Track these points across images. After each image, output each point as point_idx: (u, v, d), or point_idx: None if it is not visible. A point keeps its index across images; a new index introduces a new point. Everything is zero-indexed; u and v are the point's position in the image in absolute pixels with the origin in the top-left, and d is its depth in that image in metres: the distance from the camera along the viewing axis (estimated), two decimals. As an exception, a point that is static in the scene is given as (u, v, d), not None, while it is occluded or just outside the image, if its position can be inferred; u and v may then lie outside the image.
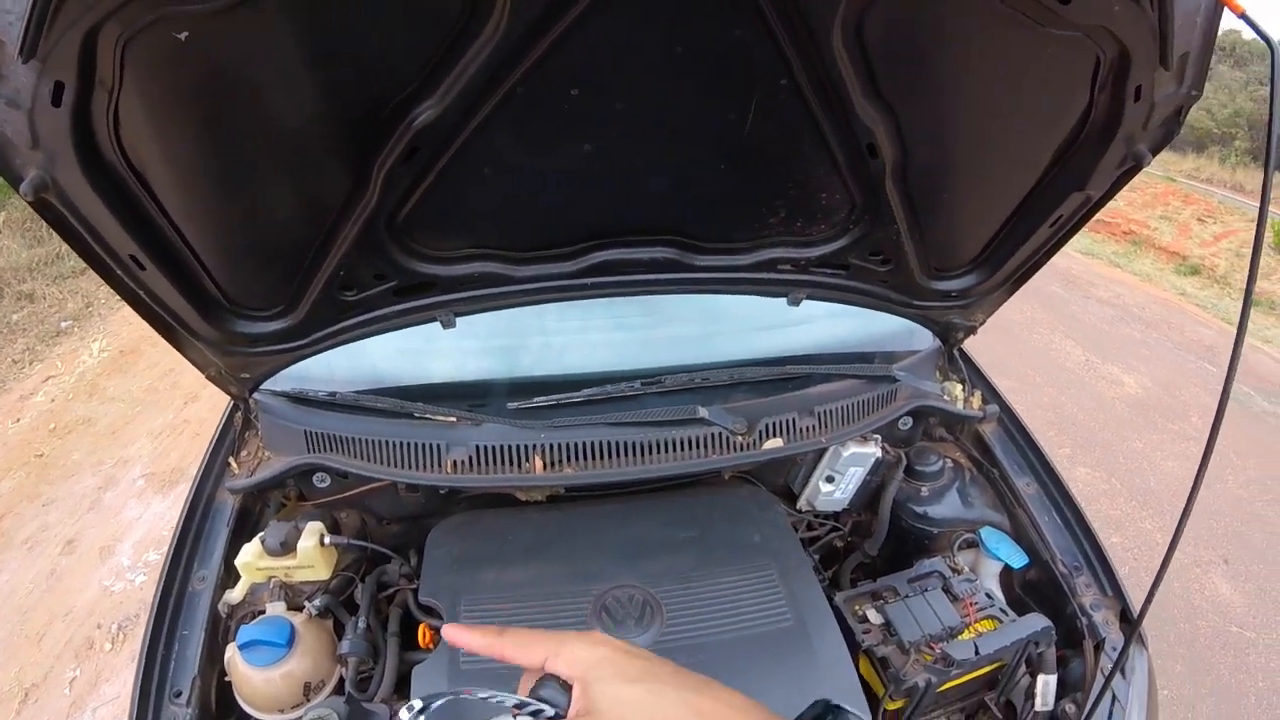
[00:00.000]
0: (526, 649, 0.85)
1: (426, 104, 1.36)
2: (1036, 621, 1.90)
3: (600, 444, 2.00)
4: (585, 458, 2.00)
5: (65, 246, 1.50)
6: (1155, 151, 1.59)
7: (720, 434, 2.04)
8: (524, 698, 0.82)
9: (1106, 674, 1.84)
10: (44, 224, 1.39)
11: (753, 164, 1.68)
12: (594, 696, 0.77)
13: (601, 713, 0.75)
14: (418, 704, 0.88)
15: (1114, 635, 1.97)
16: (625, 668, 0.80)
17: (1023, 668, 1.94)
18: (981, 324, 2.37)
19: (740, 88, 1.47)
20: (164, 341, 1.83)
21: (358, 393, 2.11)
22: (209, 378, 2.05)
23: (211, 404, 5.62)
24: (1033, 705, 1.91)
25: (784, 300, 2.13)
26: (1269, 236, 11.50)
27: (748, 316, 2.29)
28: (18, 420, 5.81)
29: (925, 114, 1.58)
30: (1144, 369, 7.12)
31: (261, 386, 2.14)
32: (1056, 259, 2.07)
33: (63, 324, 7.24)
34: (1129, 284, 9.72)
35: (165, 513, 4.74)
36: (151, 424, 5.69)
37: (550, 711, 0.80)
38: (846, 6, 1.27)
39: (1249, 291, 1.21)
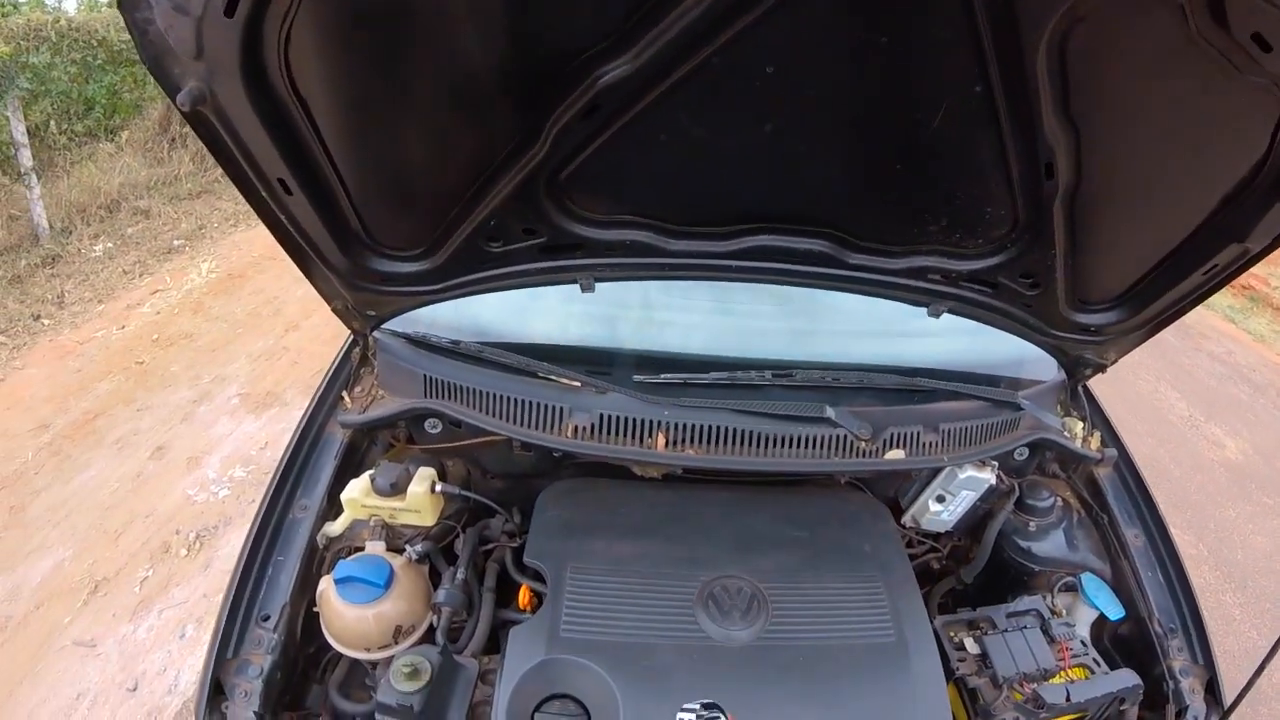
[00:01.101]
0: None
1: (617, 62, 1.34)
2: (1128, 678, 1.86)
3: (725, 430, 1.98)
4: (709, 441, 1.98)
5: (184, 169, 1.51)
6: None
7: (844, 437, 2.01)
8: None
9: None
10: (165, 144, 1.38)
11: (927, 167, 1.65)
12: None
13: None
14: None
15: (1197, 705, 1.92)
16: None
17: (1103, 721, 1.88)
18: (1113, 363, 2.30)
19: (934, 88, 1.44)
20: (275, 271, 1.84)
21: (482, 343, 2.11)
22: (334, 310, 2.07)
23: (312, 334, 5.78)
24: (1105, 759, 1.85)
25: (923, 310, 2.08)
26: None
27: (878, 321, 2.24)
28: (123, 327, 5.99)
29: (1107, 140, 1.53)
30: (1247, 434, 6.83)
31: (383, 326, 2.15)
32: (1190, 310, 2.01)
33: (175, 242, 7.44)
34: (1242, 341, 9.32)
35: (256, 433, 4.85)
36: (251, 347, 5.82)
37: None
38: (1059, 19, 1.23)
39: None
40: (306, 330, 5.86)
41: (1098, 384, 2.47)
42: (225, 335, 5.96)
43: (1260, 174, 1.52)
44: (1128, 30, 1.29)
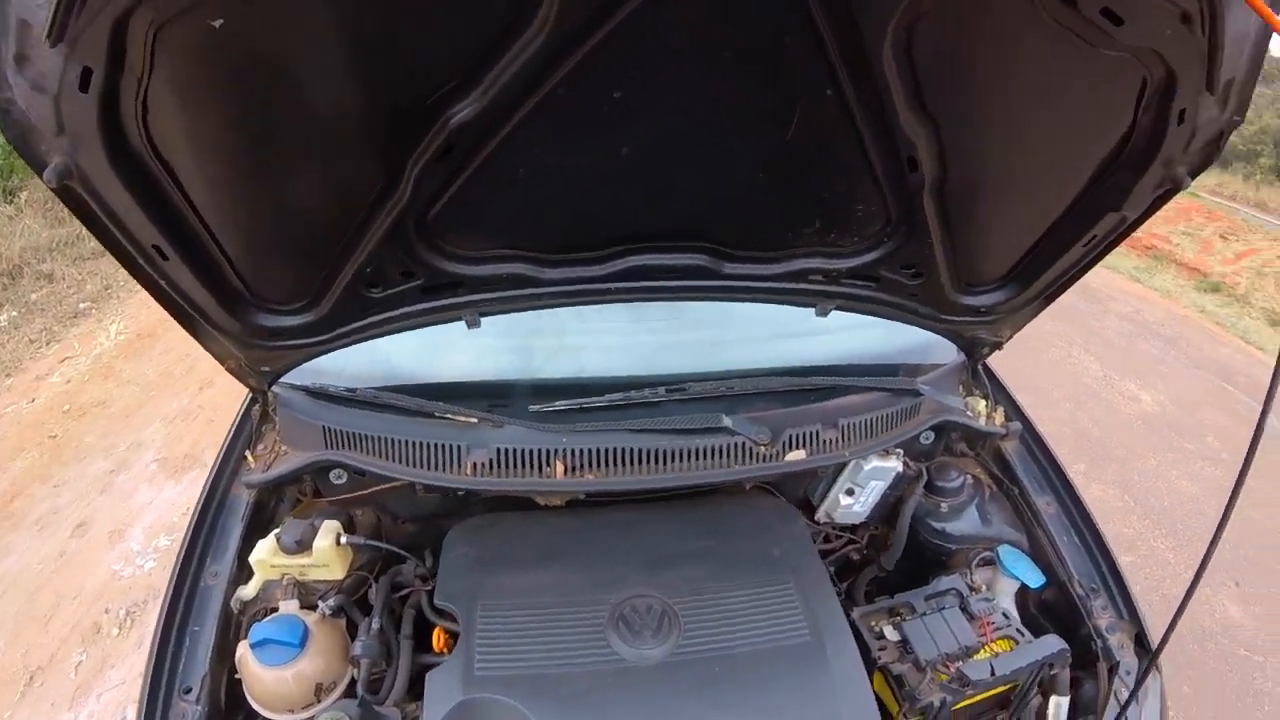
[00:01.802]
0: None
1: (465, 102, 1.34)
2: (1053, 644, 1.89)
3: (623, 450, 1.98)
4: (607, 464, 1.99)
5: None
6: (1194, 175, 1.57)
7: (743, 444, 2.02)
8: None
9: (1123, 700, 1.84)
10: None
11: (791, 173, 1.67)
12: None
13: None
14: None
15: (1128, 659, 1.96)
16: None
17: (1035, 689, 1.92)
18: (1008, 340, 2.35)
19: (785, 96, 1.46)
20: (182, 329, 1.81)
21: (378, 389, 2.10)
22: (228, 369, 2.04)
23: (226, 390, 5.55)
24: (1044, 726, 1.89)
25: (811, 310, 2.10)
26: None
27: (772, 324, 2.27)
28: (33, 400, 5.81)
29: (968, 128, 1.56)
30: (1161, 386, 7.05)
31: (281, 380, 2.12)
32: (1076, 281, 2.05)
33: (81, 305, 7.25)
34: (1149, 299, 9.63)
35: (177, 498, 4.72)
36: (166, 409, 5.67)
37: None
38: (899, 18, 1.26)
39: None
40: (221, 386, 5.67)
41: (1010, 356, 2.52)
42: (138, 399, 5.80)
43: (1129, 144, 1.56)
44: (974, 20, 1.33)
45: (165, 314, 1.75)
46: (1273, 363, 1.16)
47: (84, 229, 1.40)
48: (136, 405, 5.72)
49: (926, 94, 1.44)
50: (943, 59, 1.39)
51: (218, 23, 1.11)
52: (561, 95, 1.35)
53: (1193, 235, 12.55)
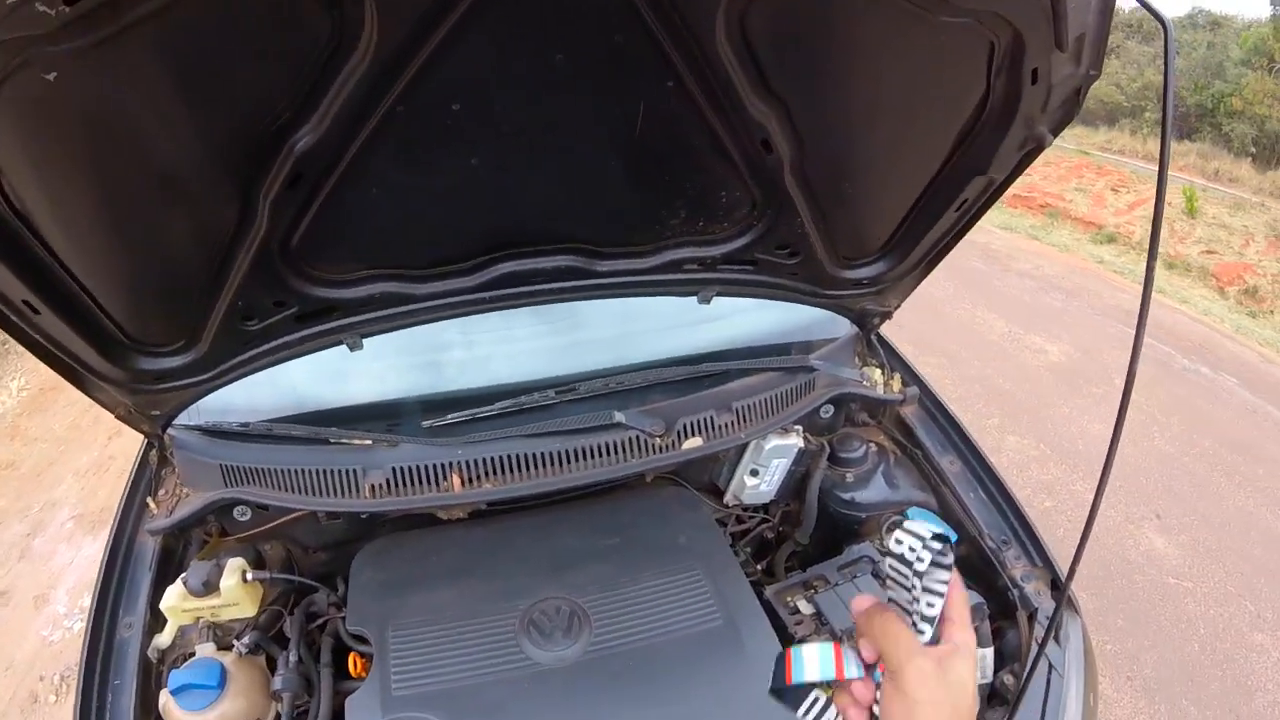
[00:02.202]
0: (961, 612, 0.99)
1: (305, 129, 1.33)
2: (970, 598, 1.92)
3: (518, 457, 1.99)
4: (503, 472, 1.99)
5: None
6: (1056, 132, 1.59)
7: (639, 437, 2.04)
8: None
9: (1041, 642, 1.88)
10: None
11: (647, 167, 1.68)
12: (952, 664, 0.93)
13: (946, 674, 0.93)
14: None
15: (1046, 604, 2.01)
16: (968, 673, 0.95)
17: (959, 643, 1.96)
18: (896, 308, 2.39)
19: (626, 92, 1.46)
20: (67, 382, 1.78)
21: (270, 421, 2.08)
22: (119, 417, 2.00)
23: (135, 436, 5.46)
24: (972, 679, 1.94)
25: (695, 299, 2.13)
26: (1181, 203, 11.89)
27: (661, 316, 2.30)
28: (-62, 469, 5.62)
29: (819, 106, 1.58)
30: (1066, 336, 7.30)
31: (175, 421, 2.09)
32: (975, 235, 2.08)
33: (-23, 367, 7.01)
34: (1048, 255, 9.93)
35: (97, 555, 4.46)
36: (76, 463, 5.53)
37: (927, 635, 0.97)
38: (728, 4, 1.26)
39: (1152, 255, 1.23)
40: (130, 434, 5.47)
41: (915, 320, 2.58)
42: (48, 456, 5.63)
43: (986, 108, 1.57)
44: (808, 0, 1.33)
45: None
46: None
47: None
48: (47, 463, 5.56)
49: (770, 76, 1.44)
50: (782, 40, 1.39)
51: (51, 76, 1.09)
52: (400, 113, 1.35)
53: (1085, 191, 12.94)
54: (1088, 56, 1.39)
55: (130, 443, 5.33)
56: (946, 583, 0.96)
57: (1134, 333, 1.16)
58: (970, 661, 0.95)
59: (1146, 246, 7.87)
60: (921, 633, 0.96)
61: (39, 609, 4.30)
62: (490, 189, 1.63)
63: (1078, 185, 13.15)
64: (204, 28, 1.14)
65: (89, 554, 4.64)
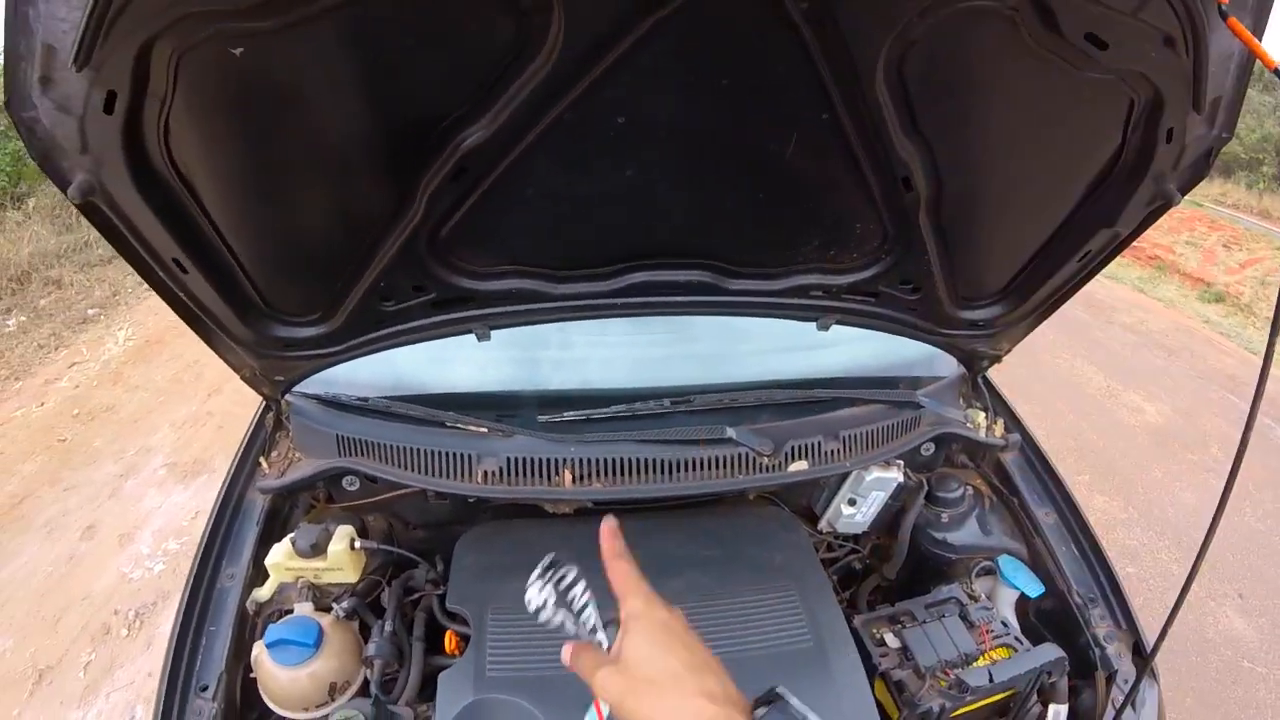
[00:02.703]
0: (625, 585, 1.10)
1: (475, 127, 1.39)
2: (1051, 651, 1.91)
3: (629, 460, 2.02)
4: (614, 474, 2.02)
5: (94, 234, 1.53)
6: (1185, 191, 1.59)
7: (746, 455, 2.05)
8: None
9: (1118, 706, 1.84)
10: (73, 210, 1.40)
11: (790, 194, 1.71)
12: (625, 645, 1.01)
13: (624, 657, 1.00)
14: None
15: (1126, 667, 1.97)
16: (657, 633, 1.02)
17: (1034, 697, 1.94)
18: (1007, 353, 2.38)
19: (782, 120, 1.50)
20: (192, 335, 1.84)
21: (389, 399, 2.14)
22: (243, 378, 2.08)
23: (235, 397, 5.67)
24: (1043, 733, 1.91)
25: (813, 324, 2.14)
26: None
27: (773, 337, 2.30)
28: (42, 404, 5.86)
29: (960, 149, 1.60)
30: (1165, 397, 7.07)
31: (294, 389, 2.17)
32: (1072, 295, 2.07)
33: (89, 311, 7.32)
34: (1152, 310, 9.66)
35: (185, 503, 4.78)
36: (174, 414, 5.73)
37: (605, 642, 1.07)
38: (890, 46, 1.29)
39: (1276, 322, 1.21)
40: (229, 394, 5.77)
41: (1013, 367, 2.55)
42: (147, 405, 5.86)
43: (1119, 162, 1.59)
44: (961, 47, 1.35)
45: (173, 320, 1.78)
46: (1276, 371, 1.19)
47: (92, 234, 1.44)
48: (145, 411, 5.78)
49: (919, 117, 1.47)
50: (934, 83, 1.42)
51: (238, 50, 1.16)
52: (568, 120, 1.39)
53: (1196, 245, 12.57)
54: (1222, 119, 1.42)
55: (228, 404, 5.61)
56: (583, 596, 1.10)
57: (1248, 408, 1.15)
58: (644, 626, 1.03)
59: (1256, 309, 7.61)
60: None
61: (123, 546, 4.49)
62: (640, 200, 1.67)
63: (1189, 238, 12.77)
64: (392, 22, 1.21)
65: (178, 501, 4.82)
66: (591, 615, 1.10)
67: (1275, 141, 20.50)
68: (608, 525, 1.16)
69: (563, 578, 1.12)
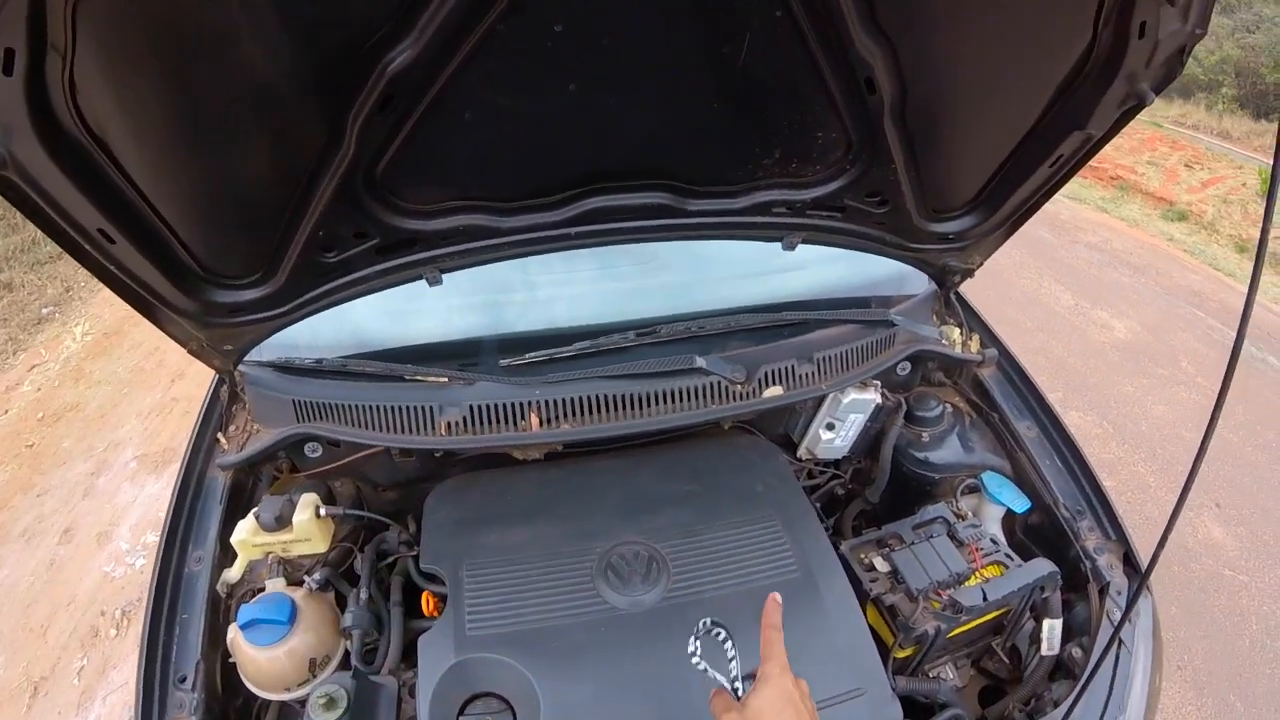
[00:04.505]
0: (770, 651, 1.28)
1: (400, 47, 1.30)
2: (1042, 566, 1.90)
3: (597, 398, 1.97)
4: (582, 413, 1.97)
5: (40, 232, 1.44)
6: (1158, 90, 1.54)
7: (719, 383, 2.01)
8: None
9: (1116, 621, 1.84)
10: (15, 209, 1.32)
11: (746, 102, 1.63)
12: (753, 699, 1.21)
13: (750, 707, 1.20)
14: None
15: (1118, 579, 1.96)
16: (781, 696, 1.21)
17: (1028, 613, 1.93)
18: (979, 266, 2.34)
19: (733, 21, 1.41)
20: (145, 320, 1.76)
21: (345, 358, 2.07)
22: (191, 352, 1.99)
23: (199, 380, 5.51)
24: (1038, 650, 1.90)
25: (779, 245, 2.08)
26: (1256, 184, 11.50)
27: (741, 262, 2.25)
28: (5, 411, 5.74)
29: (925, 47, 1.53)
30: (1133, 314, 7.12)
31: (246, 357, 2.08)
32: (1044, 204, 2.04)
33: (44, 311, 7.14)
34: (1117, 229, 9.68)
35: (160, 494, 4.69)
36: (140, 405, 5.63)
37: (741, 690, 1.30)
38: None
39: (1262, 244, 1.17)
40: (192, 376, 5.67)
41: (981, 288, 2.51)
42: (112, 398, 5.74)
43: (1089, 61, 1.54)
44: None
45: (130, 310, 1.70)
46: (1242, 288, 1.14)
47: (39, 233, 1.35)
48: (110, 405, 5.67)
49: (879, 11, 1.40)
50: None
51: None
52: (501, 32, 1.31)
53: (1158, 165, 12.59)
54: (1195, 13, 1.38)
55: (193, 387, 5.50)
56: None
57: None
58: (772, 690, 1.21)
59: (1218, 226, 7.69)
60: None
61: (102, 546, 4.40)
62: (587, 118, 1.58)
63: (1150, 159, 12.77)
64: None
65: (152, 492, 4.74)
66: (736, 668, 1.33)
67: (1235, 63, 20.65)
68: (774, 598, 1.34)
69: (718, 635, 1.37)
